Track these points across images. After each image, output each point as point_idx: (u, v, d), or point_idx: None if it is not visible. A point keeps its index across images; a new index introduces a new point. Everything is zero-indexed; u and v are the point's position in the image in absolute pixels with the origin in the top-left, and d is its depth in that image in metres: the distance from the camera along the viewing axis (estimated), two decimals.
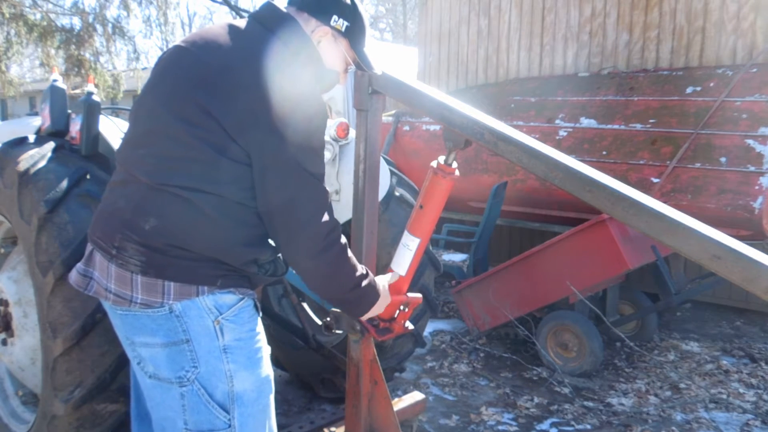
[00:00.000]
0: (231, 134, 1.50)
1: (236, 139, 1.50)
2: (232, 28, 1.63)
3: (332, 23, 1.70)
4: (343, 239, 1.64)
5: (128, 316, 1.60)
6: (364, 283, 1.71)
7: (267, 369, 1.70)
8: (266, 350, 1.72)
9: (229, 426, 1.61)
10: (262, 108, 1.49)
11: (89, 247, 1.68)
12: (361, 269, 1.71)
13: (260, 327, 1.72)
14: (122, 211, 1.57)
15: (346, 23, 1.71)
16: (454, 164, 1.88)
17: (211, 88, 1.51)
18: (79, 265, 1.71)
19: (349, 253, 1.67)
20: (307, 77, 1.61)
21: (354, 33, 1.74)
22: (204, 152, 1.51)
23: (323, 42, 1.71)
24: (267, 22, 1.64)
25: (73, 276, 1.71)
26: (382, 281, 1.86)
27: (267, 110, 1.49)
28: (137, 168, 1.58)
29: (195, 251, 1.54)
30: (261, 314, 1.75)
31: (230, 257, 1.58)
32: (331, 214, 1.61)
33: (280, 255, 1.73)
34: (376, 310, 1.81)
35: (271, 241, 1.68)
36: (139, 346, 1.61)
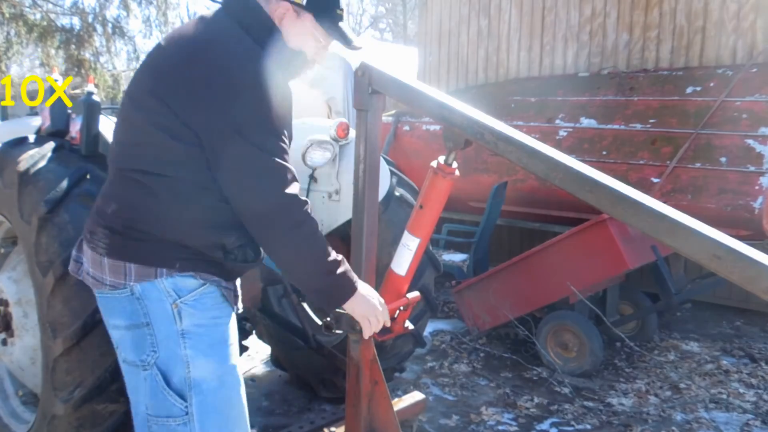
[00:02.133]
0: (178, 114, 1.52)
1: (183, 119, 1.52)
2: (200, 19, 1.66)
3: None
4: (311, 223, 1.59)
5: (102, 298, 1.66)
6: (339, 270, 1.63)
7: (232, 359, 1.67)
8: (234, 341, 1.70)
9: (186, 414, 1.59)
10: (209, 92, 1.50)
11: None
12: (335, 255, 1.63)
13: (229, 318, 1.69)
14: (96, 199, 1.70)
15: None
16: (454, 164, 1.87)
17: (163, 74, 1.56)
18: (73, 252, 1.79)
19: (322, 236, 1.63)
20: (263, 58, 1.57)
21: (318, 6, 1.64)
22: (156, 136, 1.54)
23: (285, 20, 1.64)
24: (228, 7, 1.66)
25: (70, 263, 1.79)
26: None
27: (214, 94, 1.50)
28: (110, 156, 1.70)
29: (154, 233, 1.57)
30: (236, 307, 1.73)
31: (191, 240, 1.59)
32: (294, 191, 1.56)
33: (249, 241, 1.68)
34: (359, 307, 1.71)
35: (239, 226, 1.63)
36: (111, 328, 1.67)
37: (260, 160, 1.52)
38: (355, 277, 1.71)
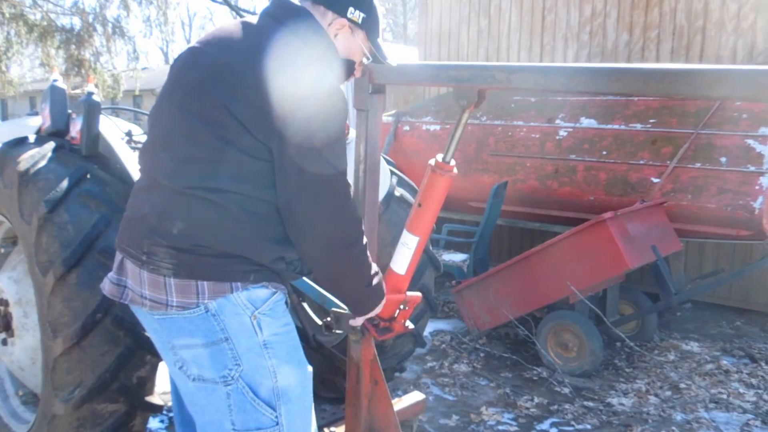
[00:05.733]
0: (251, 131, 1.49)
1: (256, 136, 1.49)
2: (245, 25, 1.62)
3: (349, 15, 1.68)
4: (365, 239, 1.64)
5: (166, 320, 1.59)
6: (375, 281, 1.71)
7: (306, 363, 1.70)
8: (300, 346, 1.72)
9: (277, 423, 1.60)
10: (281, 103, 1.48)
11: (119, 255, 1.68)
12: (374, 267, 1.71)
13: (293, 323, 1.72)
14: (148, 217, 1.57)
15: (362, 15, 1.69)
16: (452, 162, 1.88)
17: (228, 86, 1.50)
18: (112, 275, 1.70)
19: (368, 252, 1.66)
20: (324, 69, 1.60)
21: (370, 24, 1.72)
22: (224, 151, 1.50)
23: (340, 35, 1.69)
24: (279, 16, 1.62)
25: (107, 286, 1.70)
26: None
27: (287, 106, 1.48)
28: (159, 172, 1.58)
29: (225, 250, 1.54)
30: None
31: (258, 255, 1.57)
32: (353, 209, 1.60)
33: None
34: (379, 309, 1.82)
35: None
36: (180, 348, 1.60)
37: (336, 180, 1.55)
38: (383, 282, 1.79)
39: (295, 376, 1.64)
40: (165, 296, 1.55)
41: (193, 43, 1.67)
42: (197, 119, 1.52)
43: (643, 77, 1.39)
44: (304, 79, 1.51)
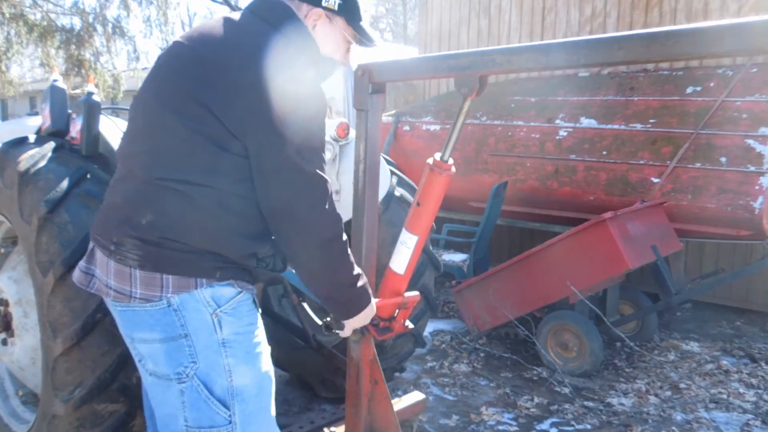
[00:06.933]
0: (230, 129, 1.49)
1: (235, 134, 1.49)
2: (228, 21, 1.62)
3: (324, 3, 1.66)
4: (344, 236, 1.63)
5: (127, 312, 1.59)
6: (360, 283, 1.69)
7: (267, 365, 1.68)
8: (266, 347, 1.70)
9: (230, 422, 1.59)
10: (261, 105, 1.48)
11: (91, 244, 1.68)
12: (357, 269, 1.70)
13: (260, 323, 1.70)
14: (119, 208, 1.57)
15: (338, 0, 1.67)
16: (450, 160, 1.87)
17: (208, 83, 1.50)
18: (81, 263, 1.71)
19: (349, 251, 1.66)
20: (305, 71, 1.59)
21: (348, 9, 1.69)
22: (200, 145, 1.49)
23: (318, 25, 1.67)
24: (262, 13, 1.62)
25: (76, 274, 1.71)
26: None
27: (267, 108, 1.47)
28: (134, 163, 1.58)
29: (193, 244, 1.53)
30: (260, 311, 1.74)
31: (228, 250, 1.57)
32: (333, 209, 1.59)
33: (279, 251, 1.71)
34: (363, 318, 1.78)
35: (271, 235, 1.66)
36: (138, 342, 1.60)
37: (312, 176, 1.54)
38: (369, 289, 1.76)
39: (252, 377, 1.63)
40: (129, 287, 1.55)
41: (178, 38, 1.67)
42: (172, 111, 1.52)
43: (645, 41, 1.36)
44: (283, 82, 1.50)
